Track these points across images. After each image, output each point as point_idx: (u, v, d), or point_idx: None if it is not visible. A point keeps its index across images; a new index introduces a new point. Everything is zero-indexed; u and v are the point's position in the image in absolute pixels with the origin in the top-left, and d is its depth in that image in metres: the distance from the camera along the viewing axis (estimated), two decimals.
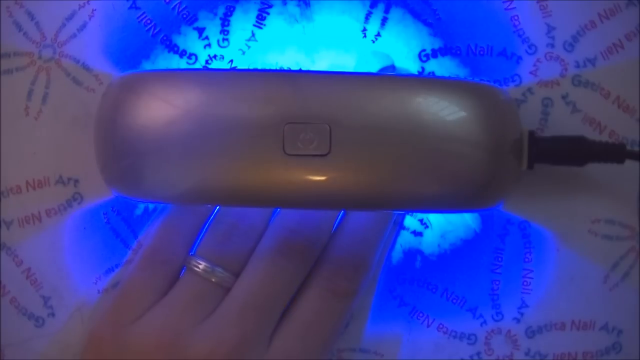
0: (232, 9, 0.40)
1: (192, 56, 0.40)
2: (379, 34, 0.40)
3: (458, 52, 0.40)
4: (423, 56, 0.40)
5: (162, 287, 0.39)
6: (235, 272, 0.38)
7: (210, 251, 0.38)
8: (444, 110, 0.34)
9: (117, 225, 0.40)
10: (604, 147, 0.37)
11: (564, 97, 0.40)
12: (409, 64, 0.40)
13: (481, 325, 0.40)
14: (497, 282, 0.40)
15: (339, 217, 0.39)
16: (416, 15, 0.40)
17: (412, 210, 0.40)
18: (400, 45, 0.40)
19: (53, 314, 0.41)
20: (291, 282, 0.38)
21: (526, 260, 0.40)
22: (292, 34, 0.40)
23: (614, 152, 0.37)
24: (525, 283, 0.40)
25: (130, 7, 0.40)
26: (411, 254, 0.40)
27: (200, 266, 0.38)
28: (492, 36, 0.40)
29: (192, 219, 0.39)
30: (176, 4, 0.40)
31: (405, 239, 0.40)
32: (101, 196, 0.40)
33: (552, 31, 0.40)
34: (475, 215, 0.40)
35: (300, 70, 0.40)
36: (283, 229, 0.38)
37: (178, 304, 0.38)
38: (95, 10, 0.40)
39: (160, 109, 0.34)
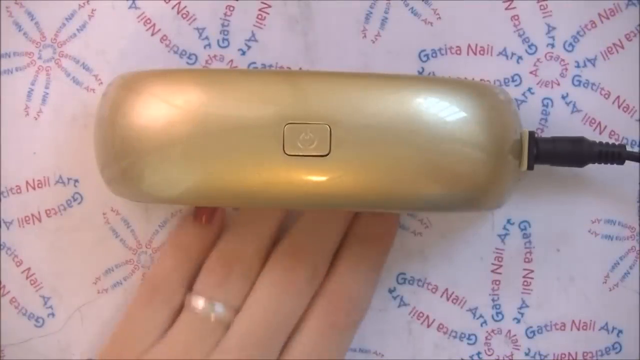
0: (232, 8, 0.40)
1: (192, 56, 0.40)
2: (379, 34, 0.40)
3: (458, 52, 0.40)
4: (423, 56, 0.40)
5: (163, 323, 0.39)
6: (235, 308, 0.38)
7: (210, 288, 0.38)
8: (444, 111, 0.34)
9: (117, 225, 0.40)
10: (604, 148, 0.37)
11: (564, 97, 0.40)
12: (409, 64, 0.40)
13: (481, 325, 0.40)
14: (497, 282, 0.40)
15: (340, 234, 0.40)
16: (416, 15, 0.40)
17: (412, 210, 0.40)
18: (400, 45, 0.40)
19: (53, 314, 0.41)
20: (291, 316, 0.38)
21: (526, 260, 0.40)
22: (292, 34, 0.40)
23: (614, 154, 0.37)
24: (525, 283, 0.40)
25: (130, 7, 0.40)
26: (411, 253, 0.40)
27: (199, 304, 0.38)
28: (492, 36, 0.40)
29: (190, 255, 0.39)
30: (176, 4, 0.40)
31: (405, 239, 0.40)
32: (101, 196, 0.40)
33: (552, 31, 0.40)
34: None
35: (300, 71, 0.40)
36: (282, 264, 0.38)
37: (179, 344, 0.38)
38: (95, 10, 0.40)
39: (160, 108, 0.34)
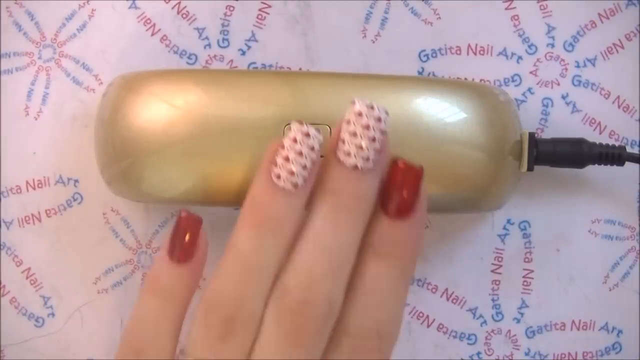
0: (232, 8, 0.40)
1: (192, 56, 0.40)
2: (379, 34, 0.40)
3: (458, 52, 0.40)
4: (423, 56, 0.40)
5: None
6: None
7: (206, 351, 0.31)
8: (444, 112, 0.34)
9: (117, 225, 0.40)
10: (604, 150, 0.37)
11: (564, 97, 0.40)
12: (409, 64, 0.40)
13: (481, 325, 0.40)
14: (497, 282, 0.40)
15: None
16: (416, 15, 0.40)
17: None
18: (400, 45, 0.40)
19: (53, 314, 0.41)
20: None
21: (526, 260, 0.40)
22: (292, 34, 0.40)
23: (614, 155, 0.37)
24: (525, 283, 0.40)
25: (130, 7, 0.40)
26: None
27: None
28: (492, 36, 0.40)
29: (173, 301, 0.33)
30: (176, 4, 0.40)
31: None
32: (101, 196, 0.40)
33: (552, 31, 0.40)
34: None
35: (300, 71, 0.40)
36: (285, 310, 0.31)
37: None
38: (95, 10, 0.40)
39: (160, 109, 0.34)
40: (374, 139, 0.30)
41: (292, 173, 0.31)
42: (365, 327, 0.31)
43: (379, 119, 0.30)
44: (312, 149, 0.31)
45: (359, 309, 0.31)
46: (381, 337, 0.31)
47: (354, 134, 0.30)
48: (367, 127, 0.30)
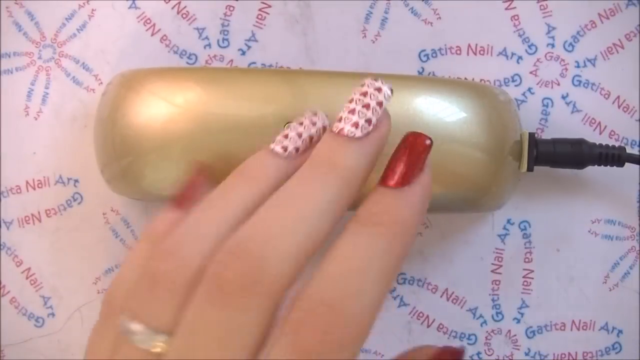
0: (232, 8, 0.40)
1: (192, 56, 0.40)
2: (379, 34, 0.40)
3: (458, 52, 0.40)
4: (423, 56, 0.40)
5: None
6: (167, 331, 0.27)
7: (134, 304, 0.27)
8: (444, 111, 0.34)
9: (117, 225, 0.40)
10: (604, 150, 0.37)
11: (564, 97, 0.40)
12: (409, 64, 0.40)
13: (481, 325, 0.40)
14: (497, 282, 0.40)
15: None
16: (416, 15, 0.40)
17: None
18: (400, 45, 0.40)
19: (53, 314, 0.41)
20: (242, 337, 0.25)
21: (526, 260, 0.40)
22: (292, 34, 0.40)
23: (614, 156, 0.37)
24: (525, 283, 0.40)
25: (130, 7, 0.40)
26: (411, 254, 0.40)
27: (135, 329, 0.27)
28: (492, 36, 0.40)
29: None
30: (176, 4, 0.40)
31: None
32: (101, 196, 0.40)
33: (552, 31, 0.40)
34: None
35: (300, 70, 0.40)
36: (214, 262, 0.26)
37: None
38: (95, 10, 0.40)
39: (160, 107, 0.34)
40: (367, 106, 0.29)
41: (285, 136, 0.30)
42: (316, 298, 0.25)
43: (378, 89, 0.29)
44: (314, 124, 0.31)
45: (321, 277, 0.26)
46: (335, 314, 0.25)
47: (351, 101, 0.29)
48: (365, 94, 0.29)
